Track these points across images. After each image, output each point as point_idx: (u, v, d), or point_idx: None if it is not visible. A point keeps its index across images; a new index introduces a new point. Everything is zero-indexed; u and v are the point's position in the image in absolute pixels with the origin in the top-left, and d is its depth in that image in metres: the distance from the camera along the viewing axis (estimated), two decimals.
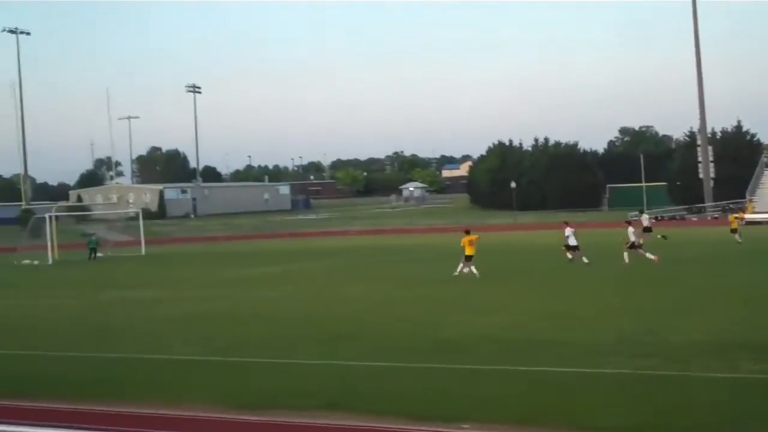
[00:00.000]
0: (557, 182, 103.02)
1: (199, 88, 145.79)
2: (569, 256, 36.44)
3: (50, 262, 52.75)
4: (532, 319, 21.19)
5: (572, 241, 36.51)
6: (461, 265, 32.14)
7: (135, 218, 71.13)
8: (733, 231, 44.45)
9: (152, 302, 29.03)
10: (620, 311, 21.89)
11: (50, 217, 57.28)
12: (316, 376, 15.34)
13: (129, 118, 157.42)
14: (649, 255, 34.27)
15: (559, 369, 14.81)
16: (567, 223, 38.37)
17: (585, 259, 34.95)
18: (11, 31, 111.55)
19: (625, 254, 34.53)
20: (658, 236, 43.72)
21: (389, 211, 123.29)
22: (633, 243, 35.23)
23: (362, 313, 23.52)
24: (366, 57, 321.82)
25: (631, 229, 35.72)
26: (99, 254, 54.99)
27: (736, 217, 47.33)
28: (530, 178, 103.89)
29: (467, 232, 33.61)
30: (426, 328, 20.33)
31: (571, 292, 26.32)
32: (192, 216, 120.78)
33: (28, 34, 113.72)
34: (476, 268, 31.34)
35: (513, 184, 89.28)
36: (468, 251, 32.21)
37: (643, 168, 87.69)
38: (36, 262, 52.47)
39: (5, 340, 21.50)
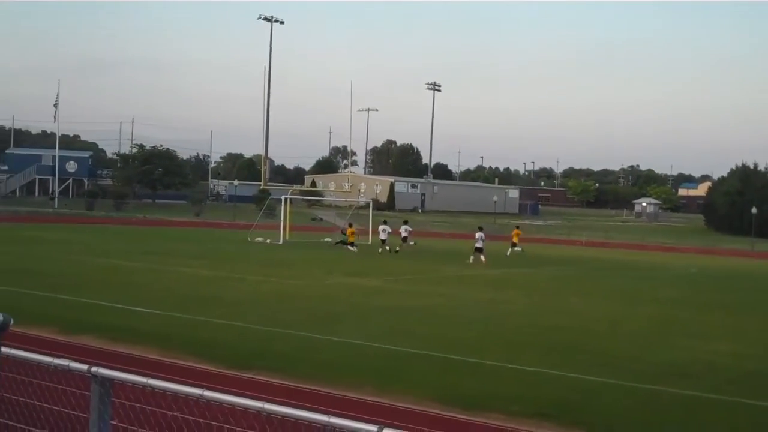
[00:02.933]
0: None
1: (439, 86, 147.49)
2: None
3: (281, 242, 54.58)
4: (762, 351, 20.00)
5: None
6: None
7: (365, 208, 72.52)
8: None
9: (373, 291, 29.45)
10: None
11: (285, 199, 59.30)
12: (532, 383, 15.00)
13: (368, 110, 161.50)
14: None
15: None
16: None
17: None
18: (266, 19, 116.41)
19: None
20: None
21: (619, 224, 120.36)
22: None
23: (582, 326, 22.89)
24: (604, 69, 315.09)
25: None
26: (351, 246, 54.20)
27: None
28: None
29: None
30: (648, 347, 19.56)
31: None
32: (420, 210, 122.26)
33: (282, 23, 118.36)
34: (695, 291, 30.02)
35: (754, 210, 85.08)
36: None
37: None
38: (268, 241, 54.45)
39: (239, 312, 22.33)
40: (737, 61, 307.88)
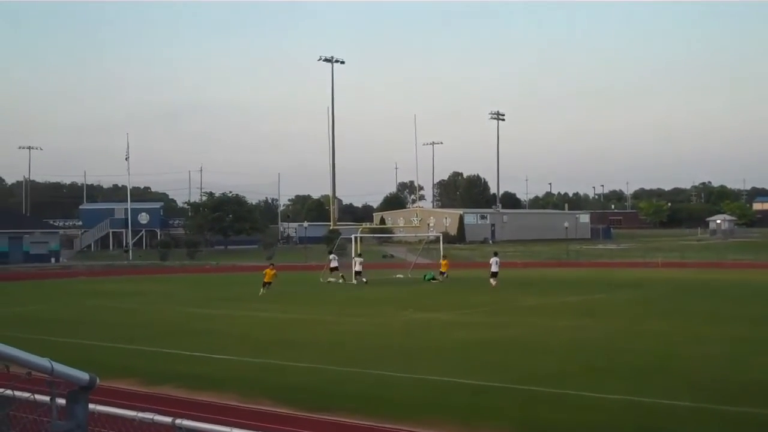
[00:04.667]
0: None
1: (503, 115, 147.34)
2: None
3: (354, 281, 54.66)
4: None
5: None
6: None
7: (435, 242, 72.43)
8: None
9: (450, 325, 29.31)
10: None
11: (355, 238, 59.44)
12: (617, 411, 14.74)
13: (433, 143, 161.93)
14: None
15: None
16: None
17: None
18: (327, 60, 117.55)
19: None
20: None
21: (694, 243, 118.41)
22: None
23: (665, 349, 22.45)
24: (668, 84, 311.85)
25: None
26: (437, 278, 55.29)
27: None
28: None
29: None
30: (734, 368, 19.13)
31: None
32: (490, 241, 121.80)
33: (342, 62, 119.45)
34: None
35: None
36: None
37: None
38: (341, 281, 54.57)
39: (314, 354, 22.39)
40: None
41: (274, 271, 45.60)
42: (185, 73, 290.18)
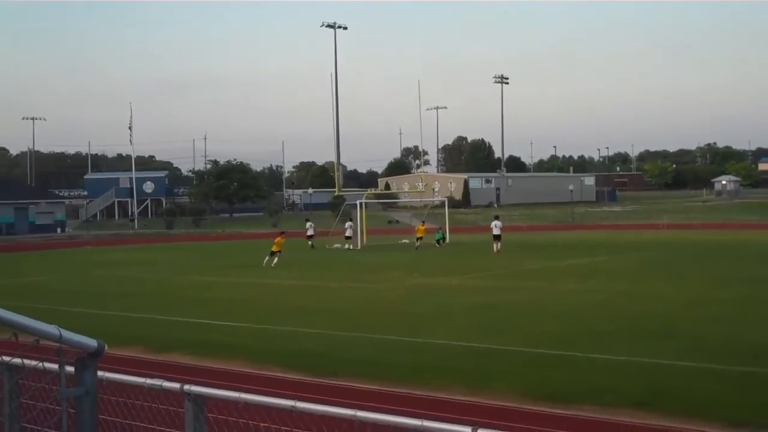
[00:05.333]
0: None
1: (507, 78, 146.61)
2: None
3: (359, 246, 54.74)
4: None
5: None
6: None
7: (440, 206, 72.38)
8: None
9: (455, 290, 29.38)
10: None
11: (360, 204, 59.47)
12: (624, 373, 14.79)
13: (437, 108, 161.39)
14: None
15: None
16: None
17: None
18: (329, 26, 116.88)
19: None
20: None
21: (700, 205, 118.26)
22: None
23: (670, 311, 22.51)
24: (673, 47, 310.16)
25: None
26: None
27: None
28: None
29: None
30: (740, 329, 19.15)
31: None
32: (495, 205, 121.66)
33: (345, 28, 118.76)
34: None
35: None
36: None
37: None
38: (347, 246, 54.63)
39: (322, 320, 22.47)
40: None
41: (285, 239, 44.27)
42: (189, 43, 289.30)
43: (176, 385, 5.14)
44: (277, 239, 43.01)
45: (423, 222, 56.63)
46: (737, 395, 12.88)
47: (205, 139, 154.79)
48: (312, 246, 56.14)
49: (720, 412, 11.85)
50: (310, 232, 58.03)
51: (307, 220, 61.40)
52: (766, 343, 17.25)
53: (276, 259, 41.46)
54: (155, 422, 7.23)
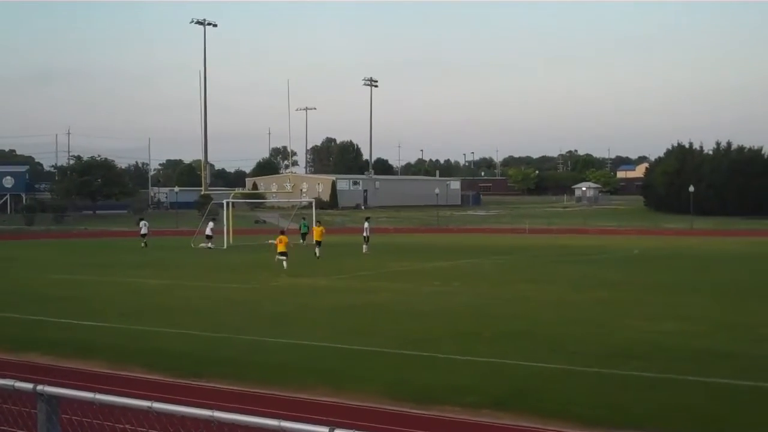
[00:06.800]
0: (738, 188, 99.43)
1: (376, 81, 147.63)
2: None
3: (225, 246, 54.26)
4: (706, 328, 20.26)
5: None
6: None
7: (308, 207, 72.38)
8: None
9: (321, 290, 29.43)
10: None
11: (227, 203, 58.96)
12: (485, 373, 15.05)
13: (306, 109, 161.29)
14: None
15: (738, 382, 14.05)
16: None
17: None
18: (199, 23, 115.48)
19: None
20: None
21: (561, 210, 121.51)
22: None
23: (532, 313, 23.06)
24: (539, 55, 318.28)
25: None
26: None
27: None
28: (710, 183, 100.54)
29: None
30: (597, 331, 19.74)
31: (746, 302, 25.20)
32: (362, 207, 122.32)
33: (215, 26, 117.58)
34: (639, 272, 30.38)
35: (692, 188, 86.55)
36: None
37: None
38: (211, 246, 54.09)
39: (186, 320, 22.17)
40: (670, 42, 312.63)
41: (287, 238, 40.39)
42: (53, 36, 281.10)
43: (29, 386, 5.01)
44: (281, 238, 39.06)
45: (319, 222, 51.97)
46: (593, 396, 13.27)
47: (69, 133, 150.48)
48: (145, 245, 55.65)
49: (576, 412, 12.19)
50: (143, 231, 57.87)
51: (141, 219, 61.60)
52: (620, 344, 17.82)
53: (280, 258, 38.00)
54: (6, 423, 7.03)
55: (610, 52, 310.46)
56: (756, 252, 49.23)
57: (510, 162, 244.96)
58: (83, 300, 26.99)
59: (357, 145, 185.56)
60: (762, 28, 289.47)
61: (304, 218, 61.32)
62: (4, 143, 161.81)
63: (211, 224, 56.03)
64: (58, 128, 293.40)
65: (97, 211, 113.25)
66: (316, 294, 28.33)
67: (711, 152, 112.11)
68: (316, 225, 49.64)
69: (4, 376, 5.31)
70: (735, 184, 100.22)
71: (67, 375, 14.71)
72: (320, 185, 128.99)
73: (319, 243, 47.00)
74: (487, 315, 22.67)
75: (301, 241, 54.66)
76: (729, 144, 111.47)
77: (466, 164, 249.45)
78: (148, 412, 4.66)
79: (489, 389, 13.71)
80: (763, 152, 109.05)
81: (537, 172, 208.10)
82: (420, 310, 23.97)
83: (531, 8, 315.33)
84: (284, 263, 37.13)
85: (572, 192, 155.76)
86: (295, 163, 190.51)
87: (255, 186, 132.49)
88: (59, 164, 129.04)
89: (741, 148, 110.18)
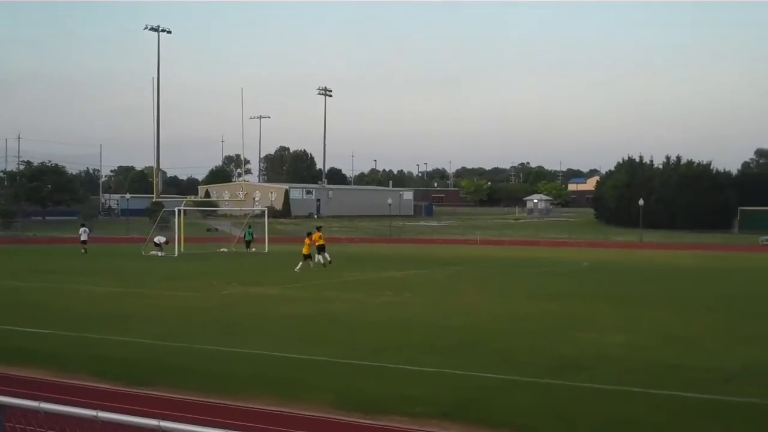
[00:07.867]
0: (687, 202, 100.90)
1: (330, 91, 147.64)
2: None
3: (176, 254, 53.95)
4: (654, 340, 20.51)
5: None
6: None
7: (260, 216, 72.19)
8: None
9: (272, 300, 29.34)
10: (747, 337, 21.02)
11: (179, 211, 58.68)
12: (434, 384, 15.11)
13: (260, 117, 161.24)
14: None
15: (683, 393, 14.26)
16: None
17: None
18: (153, 29, 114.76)
19: None
20: None
21: (512, 222, 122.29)
22: None
23: (481, 324, 23.21)
24: (492, 68, 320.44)
25: None
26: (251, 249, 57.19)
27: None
28: (659, 196, 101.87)
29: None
30: (545, 343, 19.89)
31: (694, 315, 25.53)
32: (315, 216, 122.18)
33: (169, 32, 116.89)
34: (588, 284, 30.71)
35: (641, 202, 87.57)
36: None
37: None
38: (161, 254, 53.78)
39: (135, 328, 21.99)
40: (620, 56, 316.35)
41: (309, 240, 43.25)
42: (3, 40, 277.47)
43: None
44: (307, 240, 42.43)
45: (319, 228, 48.60)
46: (541, 407, 13.39)
47: (19, 138, 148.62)
48: (85, 251, 55.50)
49: (523, 423, 12.30)
50: (83, 237, 57.81)
51: (82, 225, 61.16)
52: (568, 355, 17.98)
53: (311, 262, 40.61)
54: None
55: (561, 65, 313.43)
56: (703, 265, 49.91)
57: (463, 173, 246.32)
58: (30, 307, 26.67)
59: (311, 155, 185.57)
60: (711, 44, 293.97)
61: (250, 226, 61.72)
62: None
63: (159, 237, 56.17)
64: (8, 133, 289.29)
65: (47, 217, 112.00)
66: (266, 303, 28.24)
67: (661, 166, 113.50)
68: (316, 230, 46.65)
69: None
70: (684, 198, 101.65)
71: (14, 383, 14.54)
72: (273, 194, 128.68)
73: (322, 248, 45.50)
74: (438, 326, 22.76)
75: (246, 248, 55.18)
76: (678, 158, 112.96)
77: (419, 175, 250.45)
78: (94, 420, 4.66)
79: (437, 400, 13.78)
80: (711, 167, 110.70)
81: (489, 183, 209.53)
82: (371, 320, 24.01)
83: (483, 21, 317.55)
84: (310, 264, 40.76)
85: (524, 204, 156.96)
86: (248, 172, 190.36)
87: (207, 194, 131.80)
88: (8, 170, 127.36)
89: (690, 163, 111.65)
